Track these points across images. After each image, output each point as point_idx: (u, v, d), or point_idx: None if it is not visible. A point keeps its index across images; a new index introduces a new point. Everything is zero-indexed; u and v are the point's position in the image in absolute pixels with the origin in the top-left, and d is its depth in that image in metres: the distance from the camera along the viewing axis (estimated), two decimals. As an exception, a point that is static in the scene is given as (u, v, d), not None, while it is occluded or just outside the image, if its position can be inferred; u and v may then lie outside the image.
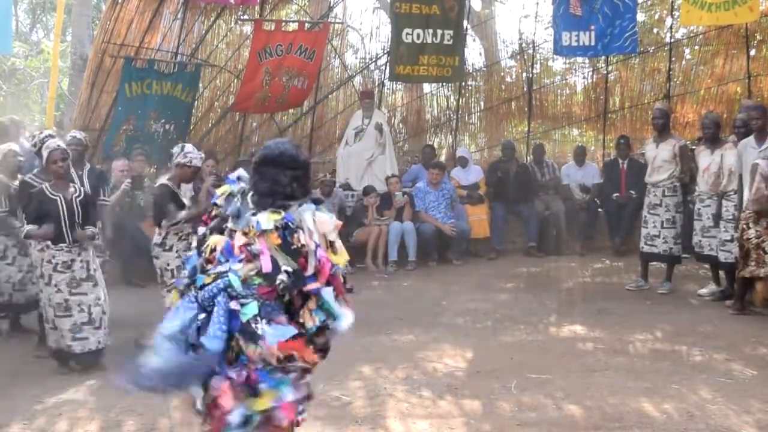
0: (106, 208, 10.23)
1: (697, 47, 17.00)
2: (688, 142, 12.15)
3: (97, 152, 13.44)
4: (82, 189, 8.54)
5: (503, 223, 14.76)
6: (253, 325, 4.26)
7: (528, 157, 16.06)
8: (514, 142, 16.32)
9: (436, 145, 17.68)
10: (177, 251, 8.67)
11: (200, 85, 14.86)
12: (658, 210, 11.14)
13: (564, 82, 17.87)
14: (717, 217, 10.49)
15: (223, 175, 14.09)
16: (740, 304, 9.87)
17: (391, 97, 18.12)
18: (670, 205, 11.10)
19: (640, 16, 16.82)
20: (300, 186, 4.58)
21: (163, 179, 9.02)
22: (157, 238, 8.78)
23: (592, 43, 15.01)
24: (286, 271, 4.32)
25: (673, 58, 16.52)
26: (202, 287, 4.41)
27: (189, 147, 9.04)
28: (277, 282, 4.30)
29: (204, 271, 4.51)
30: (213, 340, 4.22)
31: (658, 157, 11.18)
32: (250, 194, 4.57)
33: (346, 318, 4.52)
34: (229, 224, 4.55)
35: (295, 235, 4.36)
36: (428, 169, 14.63)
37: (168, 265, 8.69)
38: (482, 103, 17.75)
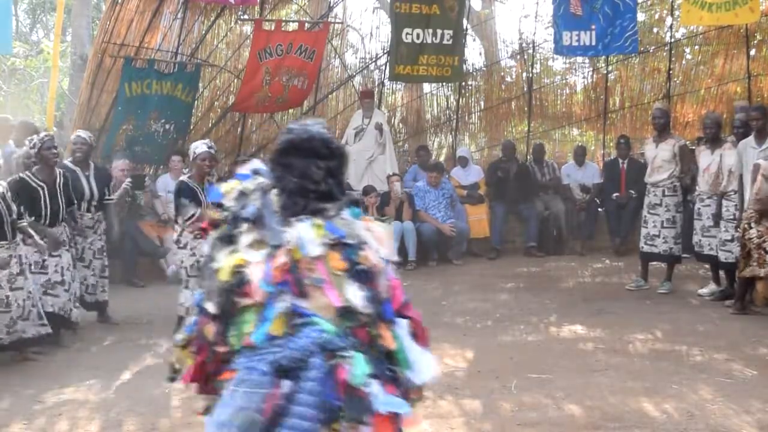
0: (111, 206, 10.32)
1: (697, 47, 17.00)
2: (687, 142, 12.15)
3: (97, 152, 13.43)
4: (64, 175, 8.77)
5: (503, 223, 14.76)
6: (364, 391, 3.19)
7: (528, 157, 16.05)
8: (514, 141, 16.32)
9: (435, 145, 17.70)
10: (192, 249, 8.77)
11: (200, 85, 14.85)
12: (658, 210, 11.14)
13: (564, 81, 17.86)
14: (717, 217, 10.48)
15: (223, 175, 14.14)
16: (741, 303, 9.87)
17: (391, 96, 18.10)
18: (670, 204, 11.10)
19: (640, 16, 16.81)
20: (337, 182, 3.50)
21: (184, 176, 9.15)
22: (174, 236, 8.88)
23: (593, 43, 15.01)
24: (371, 299, 3.33)
25: (673, 58, 16.52)
26: (265, 341, 3.22)
27: (195, 143, 9.19)
28: (363, 317, 3.28)
29: (241, 310, 3.29)
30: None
31: (658, 157, 11.18)
32: (272, 191, 3.46)
33: (427, 365, 3.48)
34: (247, 235, 3.40)
35: (361, 253, 3.36)
36: (425, 170, 14.63)
37: (182, 262, 8.79)
38: (482, 103, 17.72)
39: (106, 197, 10.08)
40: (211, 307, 3.33)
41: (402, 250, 13.50)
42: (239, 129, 15.92)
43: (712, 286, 10.94)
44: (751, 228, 9.45)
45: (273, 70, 14.50)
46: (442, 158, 16.93)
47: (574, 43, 15.13)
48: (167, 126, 14.01)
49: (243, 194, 3.48)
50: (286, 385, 3.14)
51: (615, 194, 14.29)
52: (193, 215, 8.66)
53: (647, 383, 7.27)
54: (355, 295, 3.27)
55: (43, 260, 8.77)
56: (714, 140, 10.81)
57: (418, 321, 3.58)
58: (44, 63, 25.20)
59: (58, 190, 8.87)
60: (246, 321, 3.27)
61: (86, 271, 9.83)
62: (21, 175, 8.70)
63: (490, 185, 15.07)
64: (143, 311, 10.23)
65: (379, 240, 3.48)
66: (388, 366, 3.34)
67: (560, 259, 14.07)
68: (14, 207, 8.25)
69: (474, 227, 14.48)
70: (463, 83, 17.25)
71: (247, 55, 14.88)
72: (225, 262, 3.35)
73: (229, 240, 3.42)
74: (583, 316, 10.05)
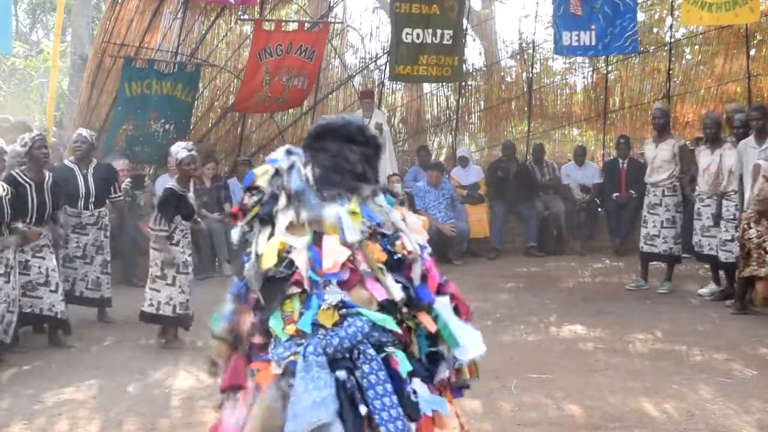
0: (117, 203, 10.34)
1: (697, 47, 17.03)
2: (687, 142, 12.15)
3: (97, 152, 13.43)
4: (53, 177, 8.80)
5: (503, 222, 14.76)
6: (408, 389, 3.17)
7: (528, 157, 16.05)
8: (514, 141, 16.32)
9: (435, 145, 17.71)
10: (182, 246, 8.80)
11: (200, 85, 14.85)
12: (657, 210, 11.14)
13: (564, 81, 17.87)
14: (717, 217, 10.48)
15: (223, 175, 14.16)
16: (740, 303, 9.87)
17: (391, 96, 18.11)
18: (670, 204, 11.10)
19: (640, 16, 16.82)
20: (371, 167, 3.43)
21: (170, 183, 9.14)
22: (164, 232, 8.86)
23: (593, 43, 15.00)
24: (405, 289, 3.25)
25: (673, 58, 16.53)
26: (315, 325, 3.14)
27: (173, 147, 9.18)
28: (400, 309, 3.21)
29: (287, 297, 3.21)
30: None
31: (658, 157, 11.18)
32: (308, 167, 3.36)
33: (473, 341, 3.41)
34: (284, 215, 3.31)
35: (398, 242, 3.29)
36: (426, 170, 14.64)
37: (174, 258, 8.79)
38: (482, 103, 17.74)
39: (112, 195, 10.13)
40: (256, 293, 3.27)
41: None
42: (239, 129, 15.93)
43: (712, 286, 10.94)
44: (750, 228, 9.44)
45: (273, 70, 14.50)
46: (442, 158, 16.94)
47: (574, 43, 15.13)
48: (167, 126, 14.00)
49: (278, 174, 3.40)
50: (342, 373, 3.10)
51: (615, 194, 14.30)
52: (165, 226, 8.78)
53: (647, 383, 7.27)
54: (395, 288, 3.21)
55: (26, 261, 8.78)
56: (714, 140, 10.81)
57: (459, 296, 3.46)
58: (44, 63, 25.22)
59: (46, 190, 8.87)
60: (290, 309, 3.20)
61: (87, 267, 9.84)
62: (11, 171, 8.72)
63: (490, 185, 15.07)
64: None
65: (413, 229, 3.42)
66: (426, 364, 3.31)
67: (560, 259, 14.08)
68: (8, 209, 8.30)
69: (474, 227, 14.48)
70: (463, 83, 17.26)
71: (247, 55, 14.88)
72: (266, 247, 3.28)
73: (266, 221, 3.35)
74: (583, 316, 10.05)
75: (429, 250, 3.44)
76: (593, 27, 14.91)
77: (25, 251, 8.73)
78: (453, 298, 3.42)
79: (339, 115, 3.53)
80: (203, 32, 15.26)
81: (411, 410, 3.14)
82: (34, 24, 32.77)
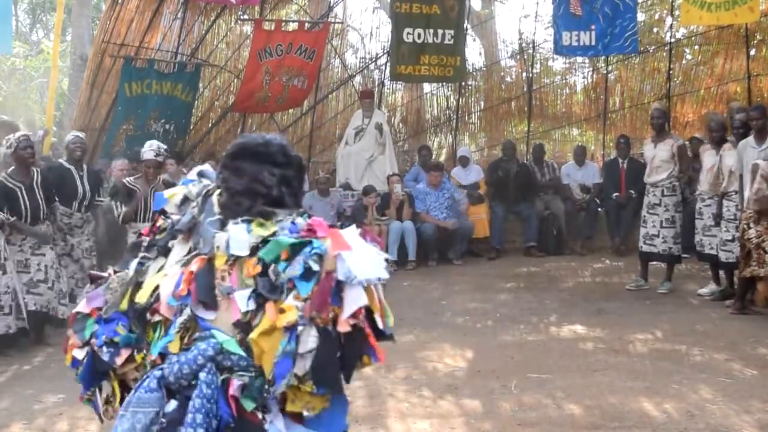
0: (100, 208, 10.40)
1: (697, 47, 17.05)
2: (686, 142, 12.15)
3: (97, 152, 13.46)
4: (42, 173, 8.83)
5: (503, 222, 14.74)
6: (260, 419, 2.92)
7: (528, 157, 16.05)
8: (515, 141, 16.32)
9: (435, 145, 17.70)
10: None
11: (200, 85, 14.87)
12: (657, 210, 11.14)
13: (564, 81, 17.88)
14: (717, 217, 10.47)
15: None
16: (741, 303, 9.86)
17: (391, 96, 18.14)
18: (670, 204, 11.09)
19: (640, 16, 16.84)
20: (291, 191, 3.14)
21: (129, 178, 9.40)
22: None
23: (593, 43, 15.01)
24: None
25: (673, 58, 16.54)
26: (163, 357, 2.99)
27: (146, 146, 9.32)
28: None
29: (152, 326, 3.08)
30: None
31: (657, 157, 11.18)
32: (216, 193, 3.16)
33: (370, 264, 2.94)
34: (180, 248, 3.14)
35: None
36: (427, 170, 14.65)
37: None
38: (482, 103, 17.77)
39: (97, 198, 10.21)
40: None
41: (402, 250, 13.51)
42: (239, 129, 15.94)
43: (712, 286, 10.93)
44: (750, 228, 9.45)
45: (273, 70, 14.50)
46: (442, 158, 16.95)
47: (574, 43, 15.13)
48: (167, 126, 14.01)
49: (186, 199, 3.22)
50: (172, 404, 2.89)
51: (615, 194, 14.28)
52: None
53: (647, 383, 7.28)
54: (241, 301, 2.92)
55: (26, 259, 8.83)
56: (720, 142, 10.77)
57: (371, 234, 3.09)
58: (44, 63, 25.27)
59: (36, 189, 8.90)
60: (150, 338, 3.06)
61: (76, 266, 9.91)
62: None
63: (490, 185, 15.06)
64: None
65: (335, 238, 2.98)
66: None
67: (560, 259, 14.07)
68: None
69: (474, 227, 14.47)
70: (463, 83, 17.26)
71: (247, 55, 14.90)
72: (147, 282, 3.13)
73: (164, 252, 3.18)
74: (583, 316, 10.05)
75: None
76: (593, 27, 14.91)
77: (24, 250, 8.77)
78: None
79: (260, 134, 3.22)
80: (203, 32, 15.30)
81: None
82: (34, 24, 32.81)
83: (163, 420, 2.87)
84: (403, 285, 12.20)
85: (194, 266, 3.00)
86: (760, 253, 9.35)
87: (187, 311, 2.96)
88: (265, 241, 2.97)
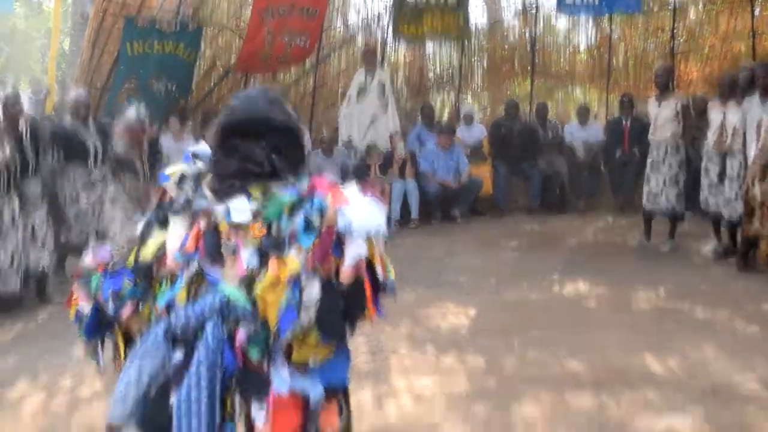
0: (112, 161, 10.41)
1: (701, 5, 16.91)
2: (690, 99, 12.11)
3: (99, 112, 13.42)
4: (31, 128, 8.80)
5: (506, 181, 14.73)
6: (265, 368, 2.98)
7: (531, 116, 16.00)
8: (517, 100, 16.26)
9: (438, 104, 17.64)
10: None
11: (202, 44, 14.79)
12: (661, 168, 11.11)
13: (567, 40, 17.78)
14: (722, 175, 10.45)
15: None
16: (744, 261, 9.87)
17: (394, 55, 18.03)
18: (673, 163, 11.07)
19: (644, -26, 16.72)
20: (285, 156, 3.15)
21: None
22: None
23: (596, 2, 14.96)
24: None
25: (677, 17, 16.43)
26: (168, 308, 3.07)
27: (128, 110, 9.42)
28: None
29: (157, 281, 3.17)
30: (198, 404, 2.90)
31: (661, 116, 11.14)
32: (207, 177, 3.22)
33: (367, 214, 3.03)
34: (181, 221, 3.21)
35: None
36: (430, 129, 14.64)
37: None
38: (485, 62, 17.68)
39: (109, 151, 10.20)
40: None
41: (405, 209, 13.51)
42: (241, 88, 15.86)
43: (715, 244, 10.93)
44: (754, 186, 9.43)
45: (275, 29, 14.43)
46: (444, 117, 16.91)
47: (578, 2, 15.08)
48: (169, 86, 13.94)
49: (183, 178, 3.27)
50: (178, 354, 2.96)
51: (618, 153, 14.26)
52: None
53: (650, 340, 7.29)
54: (247, 258, 2.99)
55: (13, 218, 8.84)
56: (728, 98, 10.71)
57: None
58: (45, 23, 25.16)
59: (25, 145, 8.88)
60: (159, 292, 3.14)
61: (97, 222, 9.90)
62: None
63: (493, 144, 15.02)
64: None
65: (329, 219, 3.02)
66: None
67: (563, 218, 14.07)
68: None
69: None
70: (466, 42, 17.18)
71: (249, 14, 14.81)
72: (152, 241, 3.23)
73: (162, 223, 3.26)
74: (587, 273, 10.05)
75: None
76: (597, -15, 14.83)
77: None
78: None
79: (246, 98, 3.28)
80: (205, -9, 15.19)
81: (256, 388, 2.98)
82: (34, -16, 32.63)
83: (169, 369, 2.93)
84: (406, 243, 12.21)
85: (202, 224, 3.07)
86: (764, 211, 9.34)
87: (194, 265, 3.03)
88: (265, 205, 3.03)
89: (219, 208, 3.06)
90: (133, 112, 9.29)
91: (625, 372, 6.51)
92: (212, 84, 15.65)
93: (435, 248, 11.91)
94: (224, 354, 2.93)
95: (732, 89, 10.68)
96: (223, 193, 3.10)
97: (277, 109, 3.22)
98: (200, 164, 3.28)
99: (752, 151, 9.56)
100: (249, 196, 3.06)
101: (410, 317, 8.19)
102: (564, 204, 14.70)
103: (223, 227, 3.05)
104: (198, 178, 3.24)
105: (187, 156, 3.35)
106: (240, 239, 3.01)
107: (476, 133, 15.20)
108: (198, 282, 3.04)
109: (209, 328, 2.93)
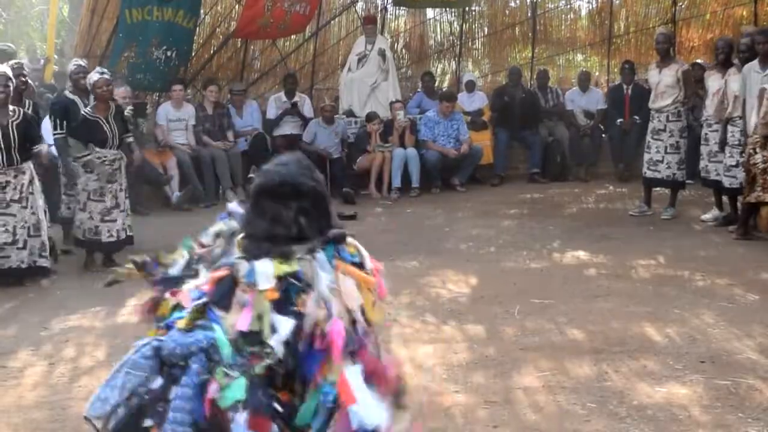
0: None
1: (703, -29, 16.85)
2: (690, 66, 12.07)
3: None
4: (21, 113, 8.64)
5: (507, 149, 14.70)
6: (231, 416, 2.91)
7: (532, 83, 15.95)
8: (519, 67, 16.20)
9: (439, 72, 17.58)
10: (98, 174, 9.23)
11: (201, 11, 14.73)
12: (662, 135, 11.09)
13: (568, 6, 17.71)
14: (722, 143, 10.43)
15: (225, 102, 14.10)
16: (744, 229, 9.87)
17: (394, 22, 17.97)
18: (674, 130, 11.05)
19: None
20: (310, 221, 3.22)
21: (86, 109, 9.48)
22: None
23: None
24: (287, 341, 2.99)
25: (679, -18, 16.38)
26: (167, 327, 3.18)
27: (91, 73, 9.41)
28: (266, 350, 2.96)
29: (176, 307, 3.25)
30: None
31: (662, 83, 11.10)
32: (239, 236, 3.30)
33: (373, 411, 2.98)
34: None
35: (302, 296, 3.04)
36: (431, 97, 14.61)
37: (87, 185, 9.06)
38: (486, 29, 17.62)
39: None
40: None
41: (405, 177, 13.51)
42: (241, 55, 15.83)
43: (715, 212, 10.92)
44: (756, 153, 9.41)
45: (275, -4, 14.36)
46: (445, 85, 16.86)
47: (579, -33, 14.99)
48: (169, 53, 13.89)
49: (218, 235, 3.41)
50: (158, 381, 3.01)
51: (619, 120, 14.24)
52: None
53: (650, 308, 7.31)
54: (282, 324, 3.00)
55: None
56: (725, 64, 10.68)
57: (375, 367, 3.15)
58: (44, -10, 25.03)
59: (11, 130, 8.64)
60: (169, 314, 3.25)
61: (122, 215, 9.63)
62: None
63: (494, 111, 14.98)
64: (148, 239, 10.19)
65: (346, 297, 3.12)
66: (278, 404, 3.02)
67: (564, 186, 14.07)
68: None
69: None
70: (467, 8, 17.11)
71: (249, -20, 14.74)
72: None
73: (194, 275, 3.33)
74: (587, 241, 10.07)
75: (360, 318, 3.14)
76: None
77: (6, 191, 8.59)
78: (368, 368, 3.12)
79: (280, 165, 3.32)
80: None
81: None
82: (33, -50, 32.44)
83: (147, 394, 3.00)
84: (406, 212, 12.24)
85: (221, 272, 3.13)
86: (765, 179, 9.33)
87: (205, 300, 3.08)
88: (285, 276, 3.07)
89: (243, 266, 3.11)
90: (95, 73, 9.25)
91: (624, 339, 6.53)
92: (212, 51, 15.61)
93: (436, 216, 11.92)
94: (197, 398, 2.94)
95: (727, 56, 10.66)
96: (251, 254, 3.16)
97: (307, 176, 3.31)
98: (234, 223, 3.39)
99: (753, 119, 9.53)
100: (271, 261, 3.11)
101: (411, 285, 8.20)
102: (564, 171, 14.68)
103: (241, 281, 3.09)
104: (232, 235, 3.34)
105: (223, 215, 3.47)
106: (252, 296, 3.04)
107: (477, 100, 15.15)
108: (199, 315, 3.09)
109: (193, 365, 2.97)
